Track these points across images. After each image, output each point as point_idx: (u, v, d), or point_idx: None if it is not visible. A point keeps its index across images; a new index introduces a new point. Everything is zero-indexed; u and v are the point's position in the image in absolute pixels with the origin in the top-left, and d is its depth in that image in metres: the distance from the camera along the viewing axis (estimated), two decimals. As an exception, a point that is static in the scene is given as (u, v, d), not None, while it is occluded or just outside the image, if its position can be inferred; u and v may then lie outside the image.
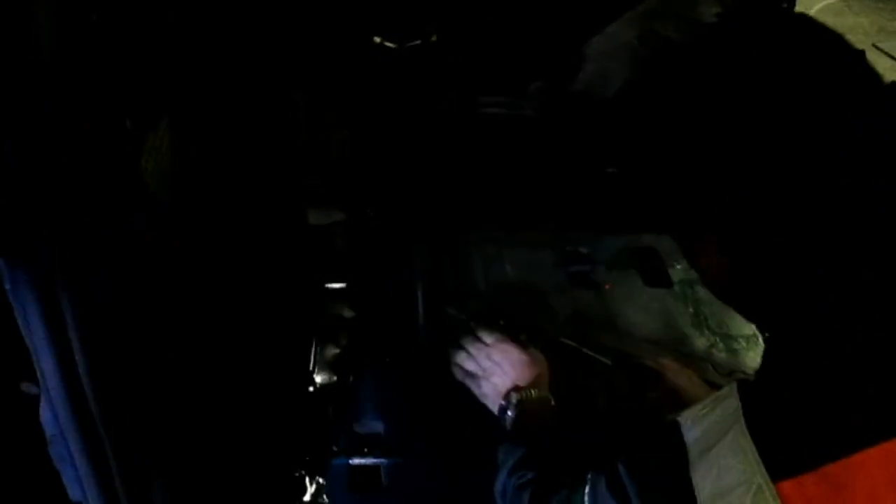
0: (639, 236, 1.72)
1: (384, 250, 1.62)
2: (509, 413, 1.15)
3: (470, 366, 1.26)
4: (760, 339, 1.46)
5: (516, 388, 1.16)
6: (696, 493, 0.67)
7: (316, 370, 1.42)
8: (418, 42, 1.46)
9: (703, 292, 1.56)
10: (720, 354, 1.43)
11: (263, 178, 1.28)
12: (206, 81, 0.99)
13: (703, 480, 0.67)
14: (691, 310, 1.51)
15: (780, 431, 0.66)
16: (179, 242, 0.83)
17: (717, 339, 1.46)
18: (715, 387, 1.34)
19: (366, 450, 1.28)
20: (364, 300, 1.53)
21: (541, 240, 1.69)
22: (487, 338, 1.27)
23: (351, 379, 1.39)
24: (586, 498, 0.82)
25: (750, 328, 1.49)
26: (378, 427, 1.32)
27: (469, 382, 1.26)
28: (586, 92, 1.86)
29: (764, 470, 0.63)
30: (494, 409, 1.19)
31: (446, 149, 1.79)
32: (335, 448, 1.28)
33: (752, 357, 1.44)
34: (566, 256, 1.65)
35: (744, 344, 1.46)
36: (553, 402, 1.18)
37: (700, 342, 1.46)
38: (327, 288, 1.55)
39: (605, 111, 1.80)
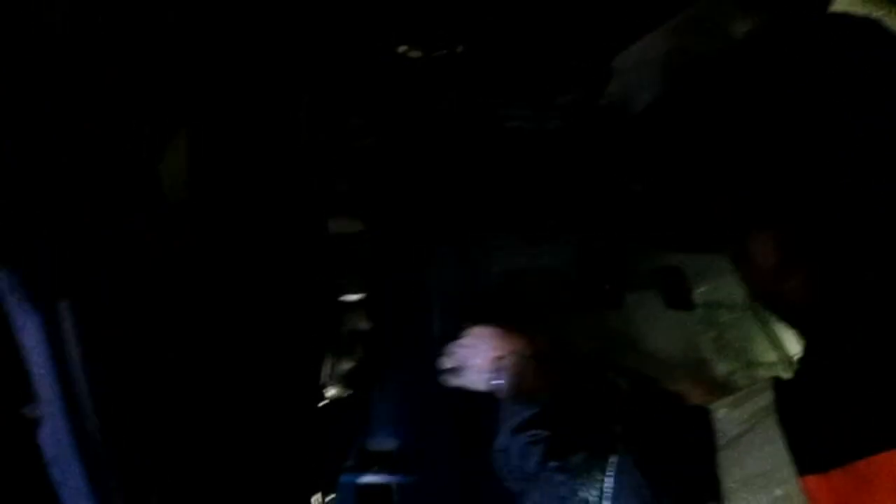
0: (663, 254, 1.68)
1: (401, 260, 1.60)
2: (499, 382, 1.13)
3: (449, 363, 1.24)
4: (783, 366, 1.42)
5: (498, 359, 1.15)
6: (721, 479, 0.68)
7: (329, 384, 1.40)
8: (444, 52, 1.44)
9: (726, 316, 1.52)
10: (742, 381, 1.39)
11: (279, 184, 1.27)
12: (225, 86, 0.98)
13: (731, 467, 0.68)
14: (713, 334, 1.47)
15: (811, 428, 0.67)
16: (180, 243, 0.82)
17: (739, 366, 1.42)
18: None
19: (377, 467, 1.25)
20: (380, 312, 1.51)
21: (562, 254, 1.66)
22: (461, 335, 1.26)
23: (365, 393, 1.36)
24: (609, 468, 0.80)
25: (774, 354, 1.44)
26: (390, 444, 1.29)
27: (458, 382, 1.23)
28: (615, 105, 1.84)
29: (792, 463, 0.65)
30: (486, 387, 1.15)
31: (468, 159, 1.77)
32: (345, 465, 1.26)
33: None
34: (587, 272, 1.62)
35: (767, 371, 1.42)
36: (542, 364, 1.15)
37: (721, 368, 1.42)
38: (345, 300, 1.53)
39: (634, 125, 1.78)
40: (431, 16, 1.52)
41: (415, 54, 1.44)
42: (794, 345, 1.47)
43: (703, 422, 0.75)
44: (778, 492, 0.64)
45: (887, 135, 0.70)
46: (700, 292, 1.58)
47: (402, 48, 1.43)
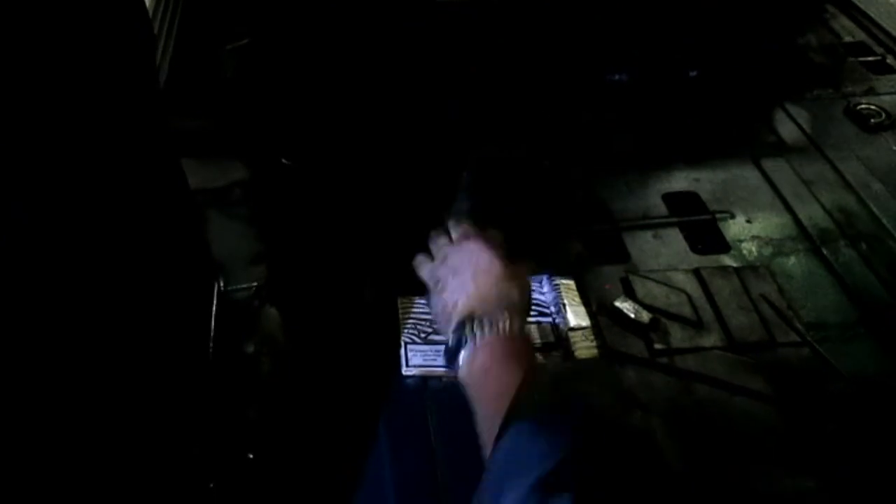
0: (669, 174, 1.22)
1: (313, 223, 1.10)
2: (463, 355, 0.74)
3: (423, 273, 0.85)
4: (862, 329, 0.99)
5: (470, 316, 0.75)
6: None
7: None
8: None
9: (774, 258, 1.08)
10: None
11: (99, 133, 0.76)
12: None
13: None
14: (767, 287, 1.02)
15: None
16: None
17: (805, 330, 0.98)
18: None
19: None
20: (297, 304, 1.02)
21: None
22: (453, 232, 0.85)
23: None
24: None
25: (848, 312, 1.01)
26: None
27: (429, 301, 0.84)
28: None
29: None
30: (448, 338, 0.77)
31: (393, 56, 1.30)
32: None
33: (848, 353, 0.96)
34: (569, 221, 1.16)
35: (839, 334, 0.99)
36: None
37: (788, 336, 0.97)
38: (234, 290, 1.03)
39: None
40: None
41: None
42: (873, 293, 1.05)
43: None
44: None
45: None
46: (729, 223, 1.14)
47: None
